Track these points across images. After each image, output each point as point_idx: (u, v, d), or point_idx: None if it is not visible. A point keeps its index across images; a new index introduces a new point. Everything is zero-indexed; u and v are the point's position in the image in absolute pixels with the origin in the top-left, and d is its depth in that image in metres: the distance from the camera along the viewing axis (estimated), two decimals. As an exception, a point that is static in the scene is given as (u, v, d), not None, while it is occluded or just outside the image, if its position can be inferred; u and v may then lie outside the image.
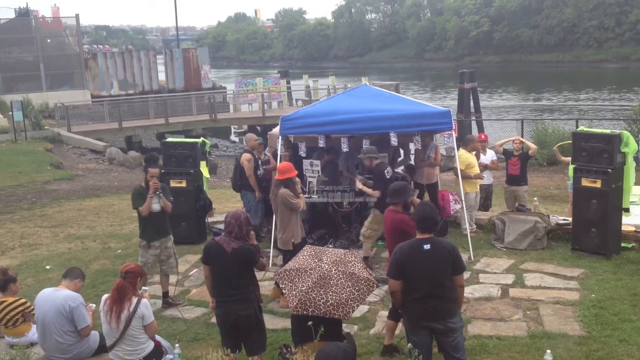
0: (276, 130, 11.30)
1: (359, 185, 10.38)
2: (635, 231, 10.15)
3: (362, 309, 8.14)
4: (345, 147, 10.86)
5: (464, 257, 9.02)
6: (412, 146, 11.44)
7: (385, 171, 9.97)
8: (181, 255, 10.87)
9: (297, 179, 8.81)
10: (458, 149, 10.92)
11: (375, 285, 6.46)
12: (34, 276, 10.10)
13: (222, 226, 11.50)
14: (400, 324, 6.78)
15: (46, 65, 38.09)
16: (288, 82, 39.16)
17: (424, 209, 5.95)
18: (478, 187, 11.41)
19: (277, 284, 7.76)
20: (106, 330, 6.29)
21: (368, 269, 6.87)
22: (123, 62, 41.62)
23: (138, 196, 8.51)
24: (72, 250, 11.57)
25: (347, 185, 11.30)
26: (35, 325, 7.00)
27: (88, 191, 17.71)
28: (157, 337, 6.65)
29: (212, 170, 18.63)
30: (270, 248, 10.30)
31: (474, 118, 26.62)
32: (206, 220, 11.90)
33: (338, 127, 10.48)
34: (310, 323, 5.88)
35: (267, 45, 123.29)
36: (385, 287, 7.45)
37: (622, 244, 9.96)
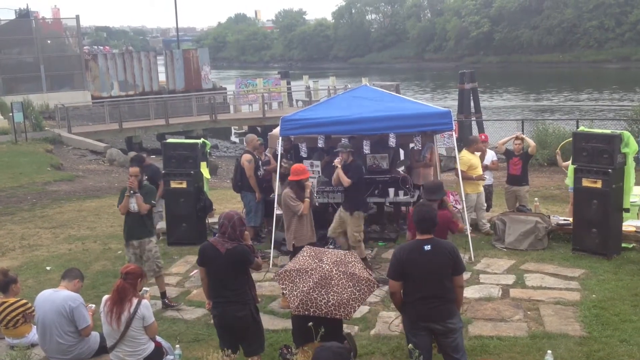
0: (276, 130, 11.29)
1: (339, 172, 9.83)
2: (635, 231, 10.15)
3: (363, 309, 8.13)
4: (345, 148, 10.86)
5: (465, 257, 9.02)
6: (411, 146, 11.43)
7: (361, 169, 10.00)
8: (181, 256, 10.89)
9: (309, 183, 8.77)
10: (459, 150, 10.92)
11: (375, 285, 6.46)
12: (34, 277, 10.10)
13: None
14: None
15: (46, 66, 38.10)
16: (288, 83, 39.15)
17: (422, 209, 5.94)
18: (481, 188, 11.39)
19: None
20: (107, 331, 6.29)
21: (368, 270, 6.87)
22: (123, 63, 41.62)
23: (121, 195, 8.65)
24: (72, 251, 11.57)
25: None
26: (35, 327, 7.00)
27: (88, 192, 17.71)
28: (158, 338, 6.65)
29: (213, 171, 18.63)
30: (270, 249, 10.30)
31: (475, 118, 26.62)
32: (207, 221, 11.90)
33: (338, 127, 10.48)
34: (310, 324, 5.88)
35: (267, 46, 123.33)
36: (386, 287, 7.45)
37: (623, 244, 9.95)
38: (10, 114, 25.95)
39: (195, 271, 10.10)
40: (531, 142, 11.70)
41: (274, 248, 10.39)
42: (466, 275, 8.56)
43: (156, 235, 8.96)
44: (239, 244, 6.24)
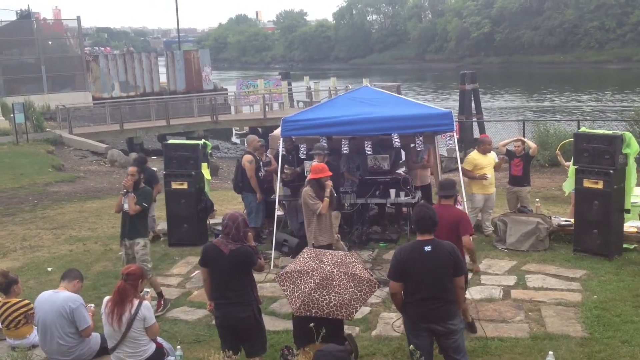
0: (277, 131, 11.30)
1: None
2: (637, 232, 10.15)
3: (364, 310, 8.13)
4: (346, 149, 10.86)
5: (467, 258, 9.00)
6: (412, 146, 11.43)
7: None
8: (182, 257, 10.89)
9: (329, 182, 8.66)
10: (460, 151, 10.92)
11: (376, 285, 6.46)
12: (35, 278, 10.10)
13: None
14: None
15: (47, 67, 38.12)
16: (289, 84, 39.15)
17: (422, 209, 5.92)
18: (490, 190, 11.25)
19: None
20: (108, 332, 6.29)
21: (369, 270, 6.87)
22: (124, 64, 41.64)
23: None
24: (73, 252, 11.57)
25: (348, 186, 11.30)
26: (36, 328, 7.00)
27: (89, 193, 17.72)
28: (159, 339, 6.65)
29: (214, 172, 18.64)
30: (272, 250, 10.30)
31: (476, 119, 26.59)
32: (207, 222, 11.90)
33: (339, 128, 10.48)
34: (312, 325, 5.87)
35: (268, 47, 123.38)
36: (387, 289, 7.45)
37: (624, 245, 9.95)
38: (12, 114, 25.98)
39: (197, 272, 10.09)
40: (532, 144, 11.68)
41: (274, 249, 10.39)
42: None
43: (148, 239, 8.86)
44: (243, 245, 6.24)
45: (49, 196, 17.13)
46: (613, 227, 9.69)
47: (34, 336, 7.20)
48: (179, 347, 6.59)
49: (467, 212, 10.51)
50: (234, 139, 37.58)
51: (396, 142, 10.45)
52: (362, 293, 6.26)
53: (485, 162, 11.13)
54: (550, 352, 6.06)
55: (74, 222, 14.01)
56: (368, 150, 10.82)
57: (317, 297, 6.15)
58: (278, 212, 11.16)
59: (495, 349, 7.06)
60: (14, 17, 43.32)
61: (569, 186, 10.68)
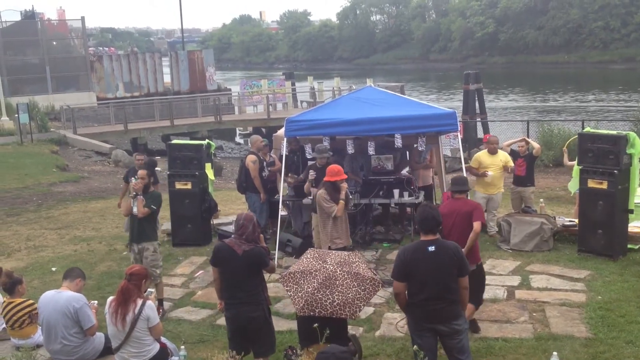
0: (281, 132, 11.30)
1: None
2: (641, 232, 10.12)
3: (368, 310, 8.13)
4: (350, 149, 10.87)
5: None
6: (415, 146, 11.42)
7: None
8: (186, 257, 10.91)
9: (345, 184, 8.62)
10: (464, 151, 10.91)
11: (380, 284, 6.45)
12: (40, 278, 10.12)
13: (227, 228, 11.59)
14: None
15: (52, 67, 38.18)
16: (293, 84, 39.12)
17: (425, 209, 5.91)
18: (491, 191, 11.19)
19: None
20: (112, 332, 6.30)
21: (372, 270, 6.87)
22: (128, 64, 41.68)
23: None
24: (77, 252, 11.59)
25: (352, 186, 11.28)
26: (40, 328, 7.01)
27: (94, 193, 17.75)
28: (163, 339, 6.66)
29: (217, 172, 18.64)
30: (275, 250, 10.30)
31: (480, 119, 26.56)
32: (211, 222, 11.92)
33: (343, 128, 10.49)
34: (316, 325, 5.87)
35: (272, 47, 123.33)
36: (390, 289, 7.44)
37: (629, 246, 9.93)
38: (16, 115, 26.01)
39: (201, 272, 10.11)
40: (535, 145, 11.66)
41: (278, 249, 10.40)
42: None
43: (158, 243, 8.75)
44: (256, 246, 6.28)
45: (54, 196, 17.17)
46: (617, 228, 9.67)
47: (38, 336, 7.21)
48: (182, 347, 6.59)
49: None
50: (237, 139, 37.58)
51: (398, 142, 10.44)
52: (366, 292, 6.27)
53: (489, 161, 11.10)
54: (555, 353, 6.05)
55: (78, 222, 14.04)
56: (371, 150, 10.82)
57: (320, 296, 6.15)
58: (282, 212, 11.17)
59: (499, 349, 7.06)
60: (18, 18, 43.40)
61: (574, 186, 10.65)
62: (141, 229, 8.45)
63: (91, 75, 39.68)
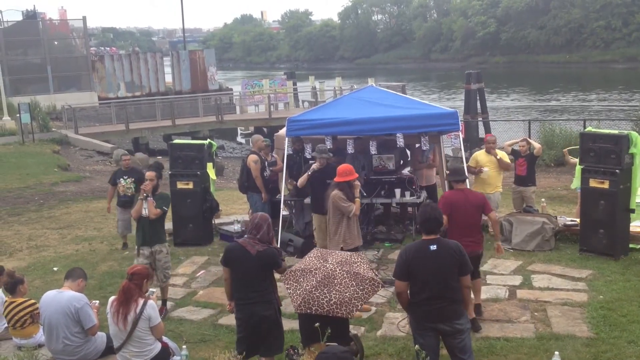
0: (283, 131, 11.30)
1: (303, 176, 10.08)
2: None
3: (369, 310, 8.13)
4: (351, 149, 10.86)
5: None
6: (417, 146, 11.42)
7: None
8: (188, 257, 10.91)
9: (357, 183, 8.57)
10: (466, 150, 10.91)
11: (380, 285, 6.45)
12: (41, 278, 10.13)
13: (228, 228, 11.60)
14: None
15: (53, 67, 38.24)
16: (294, 84, 39.17)
17: (427, 210, 5.92)
18: (488, 190, 11.18)
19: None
20: (113, 332, 6.31)
21: (374, 270, 6.86)
22: (130, 64, 41.72)
23: (136, 200, 8.50)
24: (79, 252, 11.60)
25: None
26: (42, 327, 7.02)
27: (95, 193, 17.76)
28: (165, 339, 6.66)
29: (219, 171, 18.67)
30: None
31: (481, 119, 26.56)
32: (213, 222, 11.92)
33: (344, 128, 10.48)
34: (317, 324, 5.87)
35: (273, 47, 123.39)
36: (392, 288, 7.44)
37: (630, 245, 9.92)
38: (18, 115, 26.06)
39: (202, 272, 10.11)
40: (536, 145, 11.66)
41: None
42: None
43: (167, 244, 8.72)
44: (269, 247, 6.30)
45: (55, 196, 17.18)
46: (619, 227, 9.66)
47: (40, 336, 7.22)
48: (184, 346, 6.60)
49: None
50: (239, 138, 37.62)
51: (400, 142, 10.43)
52: (364, 292, 6.26)
53: (486, 160, 11.14)
54: (556, 353, 6.05)
55: (80, 221, 14.05)
56: (373, 150, 10.81)
57: (317, 294, 6.16)
58: (283, 212, 11.16)
59: (500, 349, 7.05)
60: (20, 18, 43.42)
61: (577, 183, 10.66)
62: (153, 231, 8.34)
63: (93, 75, 39.74)
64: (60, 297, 6.64)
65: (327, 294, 6.16)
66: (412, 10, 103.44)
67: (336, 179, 8.45)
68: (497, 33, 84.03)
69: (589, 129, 11.49)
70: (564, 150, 12.51)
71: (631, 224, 10.02)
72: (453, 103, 41.73)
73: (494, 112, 35.59)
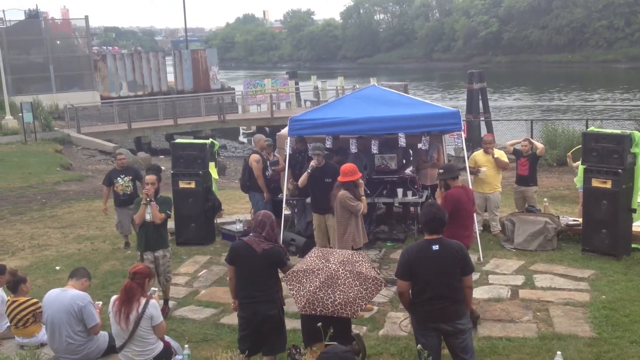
0: (285, 131, 11.29)
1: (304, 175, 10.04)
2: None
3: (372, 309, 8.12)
4: (353, 148, 10.86)
5: (474, 258, 8.98)
6: (419, 146, 11.41)
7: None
8: (190, 256, 10.91)
9: (361, 181, 8.57)
10: (468, 150, 10.90)
11: (382, 283, 6.45)
12: (43, 277, 10.14)
13: (231, 227, 11.60)
14: None
15: (56, 66, 38.27)
16: (296, 83, 39.17)
17: (432, 210, 5.91)
18: (487, 190, 11.20)
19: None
20: (115, 331, 6.31)
21: (375, 269, 6.86)
22: (132, 63, 41.75)
23: (137, 205, 8.32)
24: (81, 251, 11.61)
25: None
26: (45, 326, 7.03)
27: (97, 192, 17.71)
28: (167, 338, 6.66)
29: (221, 171, 18.65)
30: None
31: (483, 119, 26.54)
32: (215, 221, 11.92)
33: (347, 127, 10.47)
34: (319, 324, 5.87)
35: (275, 47, 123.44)
36: (394, 288, 7.44)
37: (633, 245, 9.90)
38: (20, 114, 26.08)
39: (204, 271, 10.12)
40: (539, 145, 11.65)
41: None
42: (475, 276, 8.52)
43: (170, 247, 8.65)
44: (275, 245, 6.29)
45: (57, 195, 17.20)
46: (621, 227, 9.65)
47: (42, 335, 7.22)
48: (186, 345, 6.60)
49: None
50: (241, 138, 37.63)
51: (402, 141, 10.43)
52: (368, 291, 6.26)
53: (484, 160, 11.16)
54: (559, 352, 6.04)
55: (82, 221, 14.06)
56: (375, 149, 10.81)
57: (322, 295, 6.15)
58: (285, 211, 11.16)
59: (503, 348, 7.04)
60: (22, 17, 43.47)
61: (579, 181, 10.65)
62: (158, 235, 8.21)
63: (95, 74, 39.78)
64: (64, 295, 6.66)
65: (332, 295, 6.15)
66: (414, 10, 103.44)
67: (340, 179, 8.43)
68: (500, 33, 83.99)
69: (591, 128, 11.47)
70: (568, 154, 12.49)
71: (634, 224, 9.99)
72: (455, 103, 41.70)
73: (497, 112, 35.58)
